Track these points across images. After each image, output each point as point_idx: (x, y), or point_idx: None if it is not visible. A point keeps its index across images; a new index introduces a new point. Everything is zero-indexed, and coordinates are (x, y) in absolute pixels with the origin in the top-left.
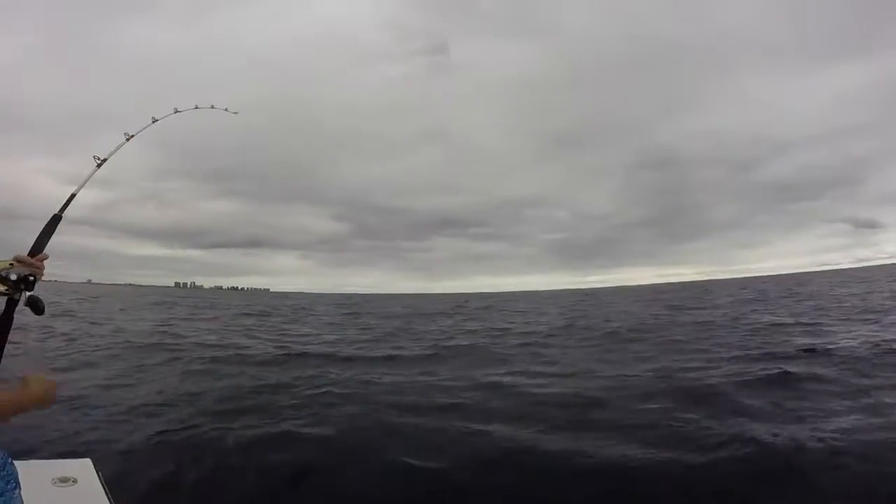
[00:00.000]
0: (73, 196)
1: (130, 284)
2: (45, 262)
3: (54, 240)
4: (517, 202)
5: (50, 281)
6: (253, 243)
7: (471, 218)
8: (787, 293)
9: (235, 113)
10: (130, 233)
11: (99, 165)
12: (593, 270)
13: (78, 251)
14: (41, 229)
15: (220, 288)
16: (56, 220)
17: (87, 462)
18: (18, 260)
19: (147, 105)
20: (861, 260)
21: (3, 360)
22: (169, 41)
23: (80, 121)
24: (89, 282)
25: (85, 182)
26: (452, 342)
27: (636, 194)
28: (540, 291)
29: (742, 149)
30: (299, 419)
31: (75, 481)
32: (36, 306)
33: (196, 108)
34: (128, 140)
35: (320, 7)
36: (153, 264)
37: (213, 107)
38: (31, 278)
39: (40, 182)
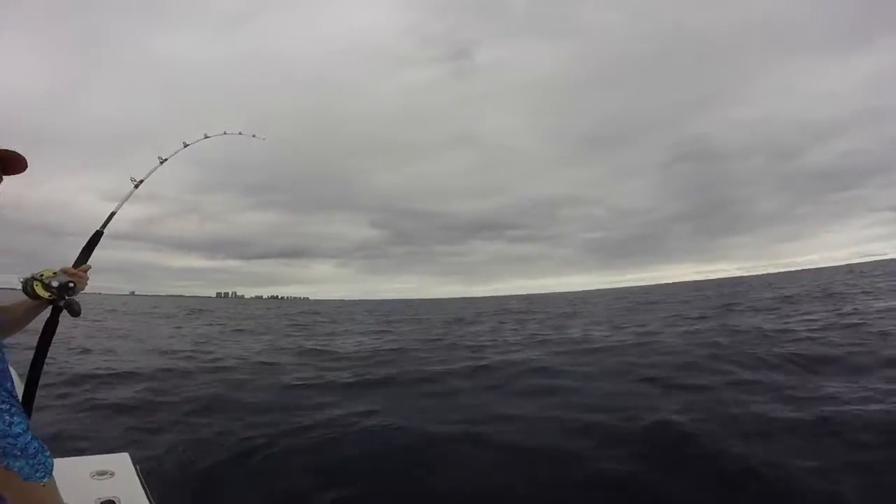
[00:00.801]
0: (112, 214)
1: (173, 295)
2: (89, 273)
3: (98, 254)
4: (552, 202)
5: (94, 293)
6: (291, 253)
7: (506, 220)
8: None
9: (263, 139)
10: (173, 245)
11: (136, 186)
12: (631, 268)
13: (121, 264)
14: (84, 243)
15: (261, 297)
16: (98, 235)
17: (125, 456)
18: (64, 270)
19: (183, 122)
20: None
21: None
22: (204, 57)
23: (119, 139)
24: (132, 293)
25: (123, 201)
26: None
27: (673, 188)
28: (576, 292)
29: (781, 136)
30: None
31: (113, 474)
32: (71, 308)
33: (224, 133)
34: (161, 163)
35: (347, 18)
36: (195, 275)
37: (241, 133)
38: (72, 285)
39: (83, 200)
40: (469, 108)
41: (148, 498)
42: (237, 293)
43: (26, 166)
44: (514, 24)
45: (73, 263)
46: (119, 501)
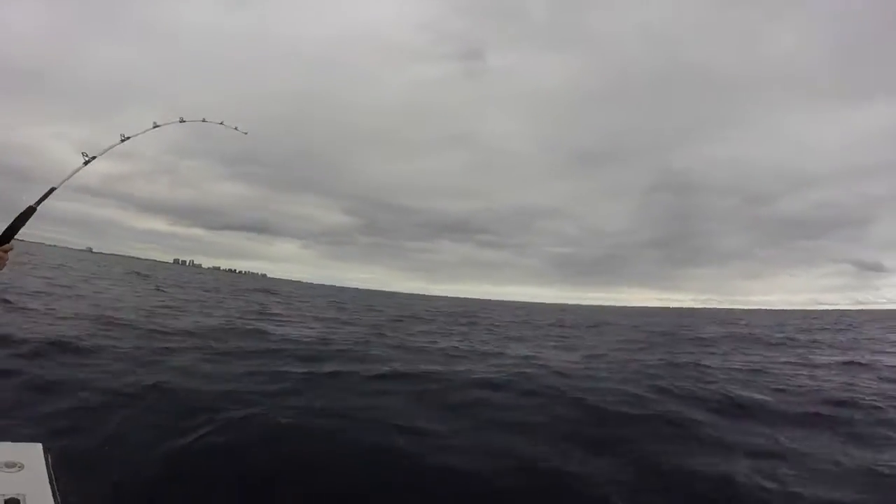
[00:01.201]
0: (52, 190)
1: (130, 256)
2: (10, 255)
3: (59, 205)
4: (530, 212)
5: (50, 245)
6: (258, 228)
7: (479, 224)
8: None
9: (245, 133)
10: (140, 206)
11: (86, 163)
12: (594, 287)
13: (83, 218)
14: (13, 219)
15: (218, 269)
16: (30, 212)
17: (38, 447)
18: None
19: (179, 87)
20: (860, 303)
21: None
22: (210, 26)
23: (110, 94)
24: (89, 250)
25: (67, 179)
26: None
27: (648, 215)
28: (537, 304)
29: (760, 181)
30: None
31: (22, 466)
32: None
33: (203, 121)
34: (122, 141)
35: (363, 6)
36: (157, 239)
37: (222, 123)
38: None
39: (56, 147)
40: (472, 109)
41: (54, 497)
42: (195, 262)
43: None
44: (531, 31)
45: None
46: (24, 499)
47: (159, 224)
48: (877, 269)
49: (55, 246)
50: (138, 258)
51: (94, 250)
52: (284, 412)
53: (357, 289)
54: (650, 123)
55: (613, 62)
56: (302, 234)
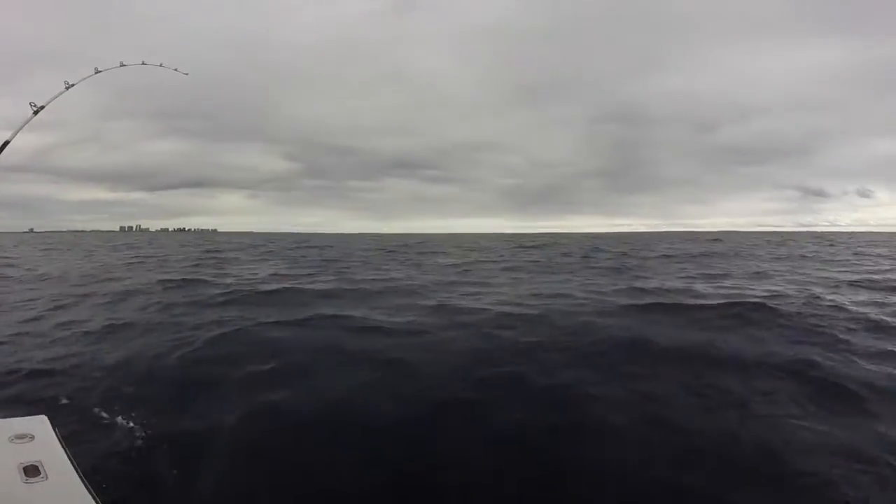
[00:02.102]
0: (6, 144)
1: (74, 231)
2: None
3: None
4: (473, 146)
5: None
6: (200, 183)
7: (423, 160)
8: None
9: (186, 74)
10: (73, 177)
11: (36, 113)
12: (544, 216)
13: (19, 199)
14: None
15: (167, 230)
16: None
17: (44, 419)
18: None
19: (94, 43)
20: (803, 225)
21: None
22: None
23: (20, 60)
24: (31, 230)
25: (19, 130)
26: None
27: (593, 146)
28: (488, 234)
29: (704, 111)
30: None
31: (33, 437)
32: None
33: (143, 63)
34: (67, 88)
35: None
36: (98, 209)
37: (161, 65)
38: None
39: None
40: (403, 46)
41: (71, 461)
42: (142, 226)
43: None
44: None
45: None
46: (42, 465)
47: (98, 193)
48: (819, 194)
49: None
50: (84, 231)
51: (35, 230)
52: None
53: (311, 233)
54: (594, 57)
55: None
56: (246, 183)
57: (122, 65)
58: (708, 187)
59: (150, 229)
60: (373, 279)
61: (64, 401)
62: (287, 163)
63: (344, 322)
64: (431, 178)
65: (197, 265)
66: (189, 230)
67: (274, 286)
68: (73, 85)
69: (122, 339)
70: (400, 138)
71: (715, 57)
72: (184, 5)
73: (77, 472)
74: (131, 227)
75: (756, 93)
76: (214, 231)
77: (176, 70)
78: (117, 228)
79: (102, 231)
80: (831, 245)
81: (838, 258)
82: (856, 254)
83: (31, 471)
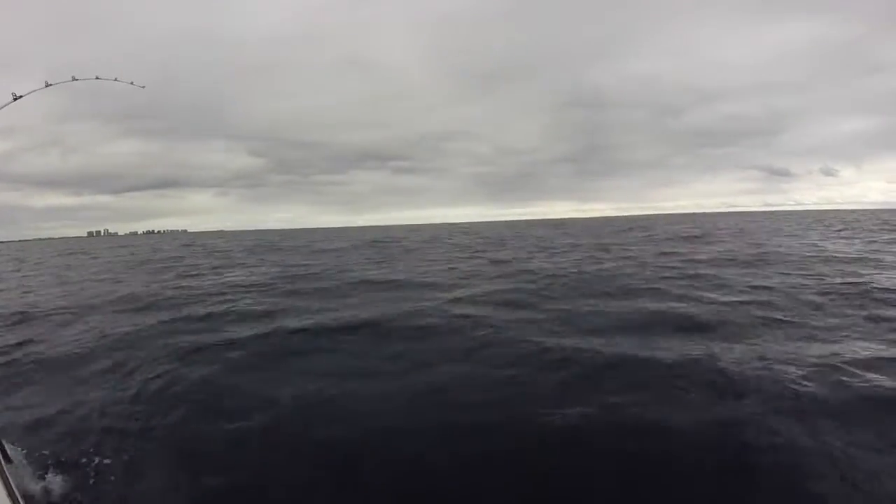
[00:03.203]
0: None
1: (41, 239)
2: None
3: None
4: (440, 136)
5: None
6: (166, 184)
7: (391, 151)
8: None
9: (142, 87)
10: (35, 183)
11: None
12: (516, 203)
13: None
14: None
15: (136, 233)
16: None
17: None
18: None
19: (47, 46)
20: (769, 205)
21: None
22: None
23: None
24: None
25: None
26: None
27: (560, 132)
28: (462, 223)
29: (670, 95)
30: None
31: None
32: None
33: (97, 78)
34: (15, 100)
35: None
36: (64, 215)
37: (116, 79)
38: None
39: None
40: (364, 36)
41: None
42: (109, 231)
43: None
44: None
45: None
46: None
47: (61, 198)
48: (784, 174)
49: None
50: (52, 238)
51: (1, 240)
52: None
53: (279, 229)
54: (557, 42)
55: None
56: (214, 181)
57: (73, 79)
58: (677, 170)
59: (119, 233)
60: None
61: None
62: (253, 159)
63: None
64: (401, 168)
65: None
66: (159, 232)
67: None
68: (20, 97)
69: None
70: (364, 131)
71: (679, 40)
72: (135, 6)
73: None
74: (99, 232)
75: (721, 75)
76: (185, 232)
77: (132, 83)
78: (85, 234)
79: (70, 237)
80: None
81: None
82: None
83: None
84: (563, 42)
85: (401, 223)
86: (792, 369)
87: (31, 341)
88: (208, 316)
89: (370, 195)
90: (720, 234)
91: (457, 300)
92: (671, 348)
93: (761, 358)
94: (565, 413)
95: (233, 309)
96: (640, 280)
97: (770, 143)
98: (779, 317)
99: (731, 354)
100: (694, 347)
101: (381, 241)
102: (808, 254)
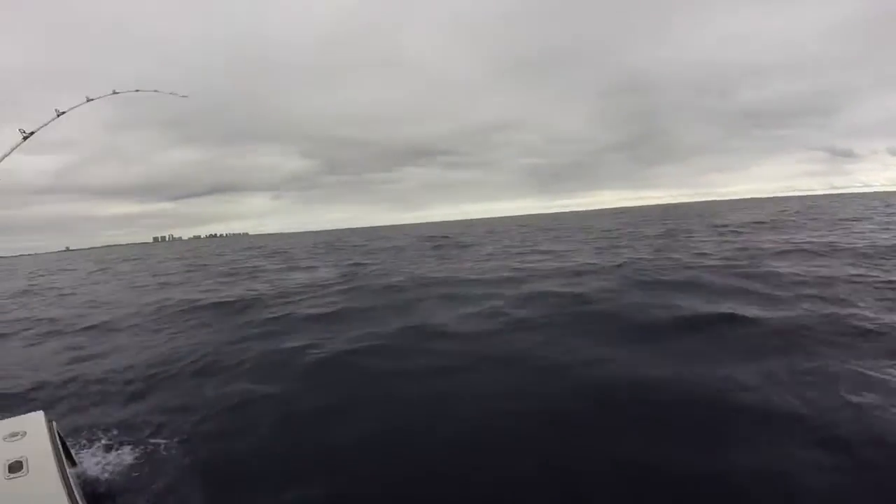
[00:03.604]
0: None
1: (109, 245)
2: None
3: (25, 212)
4: (488, 128)
5: (28, 255)
6: (224, 189)
7: (440, 146)
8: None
9: (185, 96)
10: (100, 193)
11: (25, 138)
12: (567, 194)
13: (52, 220)
14: None
15: (199, 237)
16: None
17: (39, 414)
18: None
19: (92, 58)
20: (835, 188)
21: None
22: None
23: (21, 85)
24: (67, 248)
25: (6, 155)
26: None
27: (609, 119)
28: (514, 217)
29: (719, 75)
30: None
31: (24, 434)
32: None
33: (137, 91)
34: (59, 116)
35: None
36: (129, 222)
37: (157, 91)
38: None
39: None
40: (404, 32)
41: (57, 457)
42: (174, 235)
43: None
44: None
45: None
46: (26, 461)
47: (126, 206)
48: (848, 154)
49: (35, 254)
50: (119, 244)
51: (71, 248)
52: None
53: (335, 229)
54: (597, 27)
55: None
56: (268, 185)
57: (114, 92)
58: (732, 154)
59: (183, 237)
60: None
61: None
62: (305, 160)
63: None
64: (451, 163)
65: None
66: (221, 236)
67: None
68: (63, 112)
69: None
70: (411, 126)
71: (723, 19)
72: (178, 18)
73: (60, 467)
74: (164, 237)
75: (770, 53)
76: (246, 234)
77: (173, 93)
78: (150, 239)
79: (136, 243)
80: None
81: None
82: None
83: (15, 467)
84: (607, 27)
85: (452, 218)
86: None
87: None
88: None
89: (421, 191)
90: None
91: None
92: None
93: None
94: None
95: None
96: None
97: (827, 123)
98: None
99: None
100: None
101: (437, 237)
102: None
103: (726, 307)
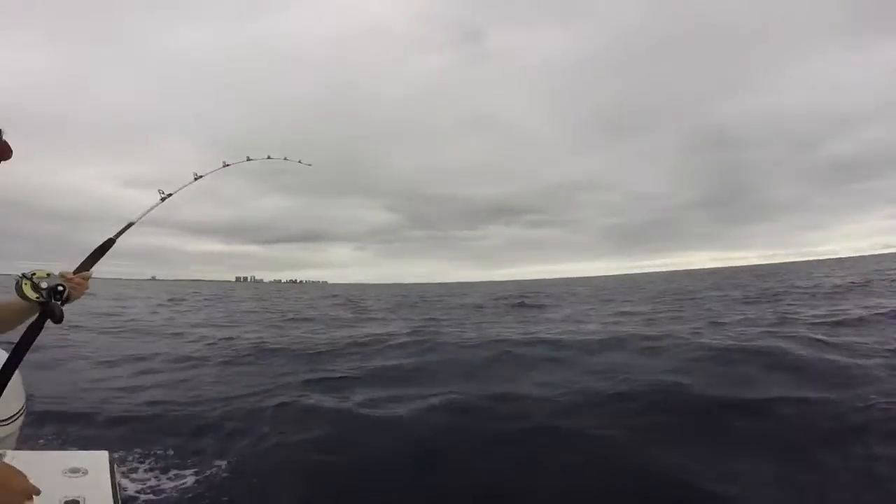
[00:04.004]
0: (130, 225)
1: (193, 280)
2: (90, 282)
3: (122, 240)
4: (570, 186)
5: (115, 278)
6: (308, 237)
7: (524, 204)
8: None
9: (309, 164)
10: (191, 230)
11: (163, 199)
12: (649, 255)
13: (142, 250)
14: (93, 249)
15: (280, 281)
16: (109, 244)
17: (104, 455)
18: (62, 274)
19: (197, 106)
20: None
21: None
22: (221, 46)
23: (137, 128)
24: (153, 278)
25: (144, 214)
26: None
27: (690, 175)
28: (596, 277)
29: (801, 127)
30: None
31: (86, 472)
32: (52, 313)
33: (269, 158)
34: (196, 179)
35: (359, 6)
36: (214, 260)
37: (286, 158)
38: (61, 289)
39: (101, 188)
40: (483, 92)
41: (115, 500)
42: (256, 277)
43: (11, 153)
44: (527, 7)
45: (75, 268)
46: (84, 501)
47: (213, 245)
48: None
49: (120, 279)
50: (203, 280)
51: (157, 278)
52: None
53: (417, 283)
54: (673, 85)
55: (621, 30)
56: (352, 236)
57: (248, 159)
58: (822, 209)
59: (264, 280)
60: None
61: None
62: (389, 214)
63: None
64: (534, 222)
65: None
66: (301, 281)
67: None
68: (201, 177)
69: None
70: (495, 184)
71: (798, 68)
72: (288, 77)
73: None
74: (246, 278)
75: (851, 99)
76: (325, 283)
77: (300, 162)
78: (233, 278)
79: (219, 280)
80: None
81: None
82: None
83: None
84: (679, 81)
85: (533, 277)
86: None
87: None
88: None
89: (504, 249)
90: None
91: None
92: None
93: None
94: None
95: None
96: None
97: None
98: None
99: None
100: None
101: (525, 297)
102: None
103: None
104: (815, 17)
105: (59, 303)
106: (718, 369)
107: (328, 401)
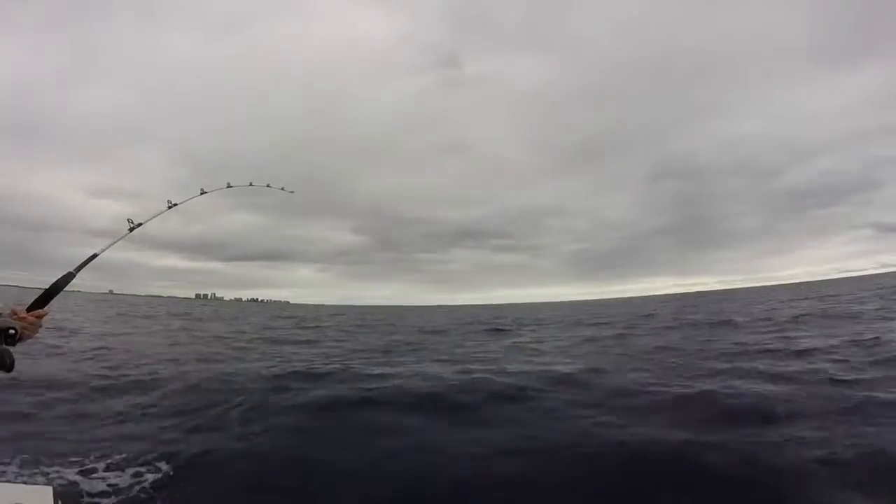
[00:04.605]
0: (93, 257)
1: (151, 295)
2: (45, 320)
3: (72, 251)
4: (537, 212)
5: (73, 291)
6: (273, 256)
7: (491, 229)
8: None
9: (292, 192)
10: (154, 245)
11: (131, 230)
12: (614, 280)
13: (100, 262)
14: (50, 284)
15: (241, 300)
16: (69, 277)
17: (47, 490)
18: (14, 312)
19: (173, 121)
20: (885, 265)
21: None
22: (196, 59)
23: (112, 138)
24: (111, 292)
25: (110, 245)
26: None
27: (656, 203)
28: (563, 302)
29: (763, 156)
30: None
31: None
32: (2, 360)
33: (251, 185)
34: (170, 208)
35: (342, 26)
36: (176, 276)
37: (269, 185)
38: (13, 332)
39: (70, 196)
40: (457, 118)
41: None
42: (216, 294)
43: None
44: (504, 37)
45: (28, 305)
46: None
47: (176, 261)
48: (895, 229)
49: (78, 291)
50: (160, 296)
51: (114, 292)
52: None
53: (378, 306)
54: (640, 113)
55: (591, 58)
56: (317, 257)
57: (228, 186)
58: (783, 236)
59: (225, 298)
60: None
61: None
62: (356, 236)
63: None
64: (499, 246)
65: None
66: (262, 301)
67: None
68: (175, 205)
69: None
70: (463, 208)
71: (761, 98)
72: (252, 88)
73: None
74: (206, 295)
75: (810, 130)
76: (287, 303)
77: (283, 189)
78: (193, 296)
79: (179, 297)
80: None
81: None
82: None
83: None
84: (651, 113)
85: (497, 302)
86: None
87: None
88: None
89: (468, 273)
90: None
91: None
92: None
93: None
94: None
95: None
96: None
97: (874, 197)
98: None
99: None
100: None
101: (492, 322)
102: None
103: None
104: (774, 46)
105: (9, 348)
106: None
107: None
